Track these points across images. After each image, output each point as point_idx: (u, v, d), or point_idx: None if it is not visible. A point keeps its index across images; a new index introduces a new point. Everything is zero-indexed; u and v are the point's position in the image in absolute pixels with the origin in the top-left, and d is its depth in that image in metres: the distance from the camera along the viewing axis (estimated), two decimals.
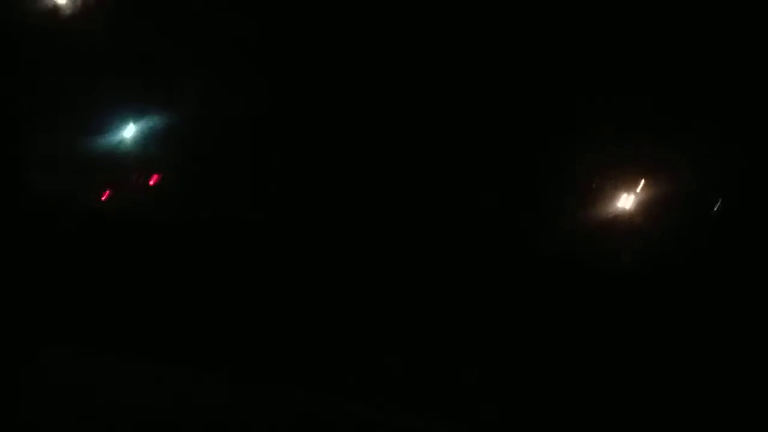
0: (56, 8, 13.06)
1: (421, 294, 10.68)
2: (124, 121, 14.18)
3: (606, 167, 11.07)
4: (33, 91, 13.43)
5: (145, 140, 14.28)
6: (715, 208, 10.63)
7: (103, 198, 13.87)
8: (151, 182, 14.37)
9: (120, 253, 12.44)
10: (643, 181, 10.98)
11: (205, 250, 12.24)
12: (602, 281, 10.36)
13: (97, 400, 9.77)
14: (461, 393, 10.13)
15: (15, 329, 10.44)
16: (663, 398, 9.70)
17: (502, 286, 10.55)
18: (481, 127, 11.32)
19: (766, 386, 9.49)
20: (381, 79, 11.82)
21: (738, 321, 10.09)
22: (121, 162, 14.21)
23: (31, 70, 13.36)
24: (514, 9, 11.03)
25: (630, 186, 11.02)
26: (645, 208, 10.79)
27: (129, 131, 14.23)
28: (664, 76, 10.86)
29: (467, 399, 10.16)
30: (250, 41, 13.03)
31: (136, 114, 14.19)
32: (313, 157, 12.49)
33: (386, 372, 10.22)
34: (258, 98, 13.06)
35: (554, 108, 11.04)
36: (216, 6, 13.29)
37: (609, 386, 9.68)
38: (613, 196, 10.98)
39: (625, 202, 10.84)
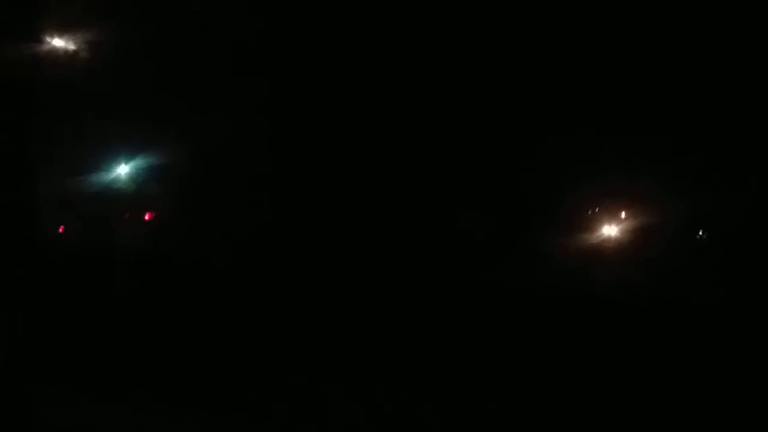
0: (52, 53, 13.16)
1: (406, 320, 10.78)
2: (117, 160, 14.28)
3: (591, 196, 11.20)
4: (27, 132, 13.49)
5: (138, 178, 14.38)
6: (698, 236, 10.81)
7: (97, 234, 14.02)
8: (146, 218, 14.54)
9: (113, 289, 12.48)
10: (627, 211, 11.15)
11: (199, 285, 12.33)
12: (585, 307, 10.49)
13: None
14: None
15: (12, 367, 10.41)
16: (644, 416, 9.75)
17: (483, 313, 10.69)
18: (469, 150, 11.48)
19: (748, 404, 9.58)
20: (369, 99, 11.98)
21: (723, 342, 10.22)
22: (115, 200, 14.31)
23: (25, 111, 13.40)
24: (497, 39, 11.22)
25: (615, 215, 11.18)
26: (630, 236, 10.94)
27: (123, 170, 14.32)
28: (648, 107, 11.05)
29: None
30: (245, 80, 13.18)
31: (130, 153, 14.29)
32: (301, 197, 12.65)
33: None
34: (251, 139, 13.21)
35: (542, 136, 11.20)
36: (208, 48, 13.49)
37: (584, 408, 9.71)
38: (598, 224, 11.12)
39: (611, 230, 11.00)
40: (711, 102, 10.66)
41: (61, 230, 14.17)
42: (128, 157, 14.36)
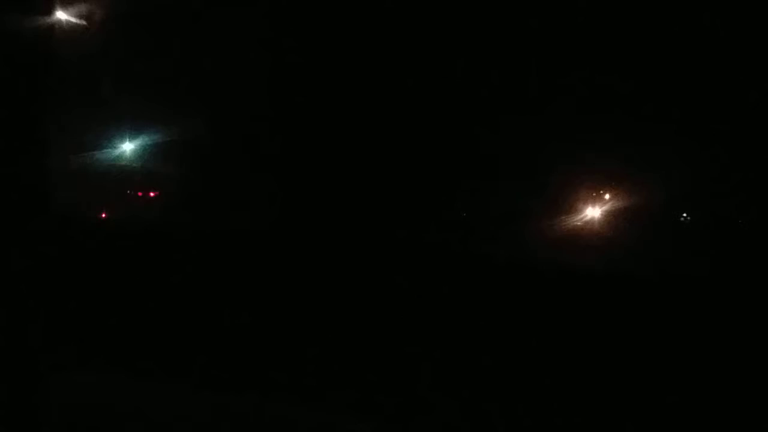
0: (57, 26, 13.26)
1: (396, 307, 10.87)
2: (122, 137, 14.42)
3: (575, 177, 11.26)
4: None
5: (143, 156, 14.52)
6: (682, 218, 10.84)
7: (102, 213, 14.22)
8: (151, 196, 14.72)
9: (119, 266, 12.62)
10: (611, 192, 11.19)
11: (203, 261, 12.45)
12: (571, 286, 10.52)
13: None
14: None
15: (26, 347, 10.53)
16: (632, 405, 9.82)
17: (471, 291, 10.72)
18: (454, 137, 11.56)
19: (736, 391, 9.60)
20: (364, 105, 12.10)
21: (706, 326, 10.24)
22: (119, 177, 14.46)
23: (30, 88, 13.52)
24: (484, 30, 11.29)
25: (598, 196, 11.22)
26: (613, 217, 10.98)
27: (127, 147, 14.47)
28: (632, 92, 11.08)
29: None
30: (248, 59, 13.26)
31: (134, 130, 14.44)
32: (305, 172, 12.73)
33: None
34: (253, 114, 13.31)
35: (526, 120, 11.27)
36: (214, 26, 13.58)
37: (573, 394, 9.78)
38: (582, 205, 11.18)
39: (594, 211, 11.05)
40: (693, 88, 10.67)
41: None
42: (133, 134, 14.51)
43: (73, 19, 12.80)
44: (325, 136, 12.79)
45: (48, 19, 13.12)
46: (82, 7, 12.74)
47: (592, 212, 10.98)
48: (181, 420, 9.28)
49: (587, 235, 11.15)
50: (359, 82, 12.23)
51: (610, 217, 10.99)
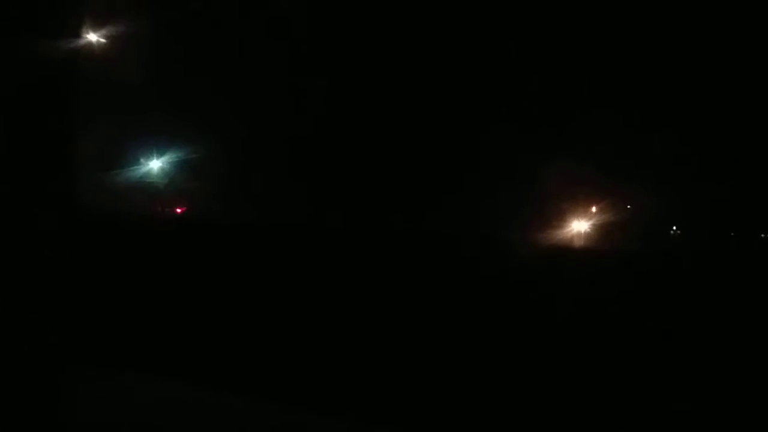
0: (88, 48, 13.51)
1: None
2: (150, 154, 14.65)
3: (564, 192, 11.21)
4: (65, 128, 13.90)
5: (171, 172, 14.75)
6: (672, 232, 10.73)
7: (131, 226, 14.45)
8: (178, 212, 14.93)
9: (144, 280, 12.74)
10: (598, 206, 11.13)
11: (228, 277, 12.54)
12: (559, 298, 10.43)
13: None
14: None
15: (38, 347, 10.64)
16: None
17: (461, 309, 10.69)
18: (443, 150, 11.62)
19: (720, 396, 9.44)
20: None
21: (696, 338, 10.07)
22: (147, 193, 14.68)
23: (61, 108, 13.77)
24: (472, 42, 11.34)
25: (587, 210, 11.16)
26: (602, 231, 10.91)
27: (156, 164, 14.70)
28: (618, 106, 11.04)
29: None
30: (273, 79, 13.49)
31: (163, 147, 14.67)
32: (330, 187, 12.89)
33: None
34: (279, 133, 13.51)
35: (516, 134, 11.28)
36: (241, 48, 13.84)
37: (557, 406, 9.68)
38: (570, 219, 11.13)
39: (582, 225, 10.99)
40: (685, 96, 10.59)
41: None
42: (161, 151, 14.75)
43: (102, 39, 13.12)
44: (345, 156, 12.96)
45: (77, 40, 13.50)
46: (111, 28, 13.06)
47: (579, 225, 10.93)
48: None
49: (575, 247, 11.09)
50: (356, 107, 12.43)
51: (599, 230, 10.92)
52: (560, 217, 11.05)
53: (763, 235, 11.03)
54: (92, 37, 12.95)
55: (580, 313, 10.31)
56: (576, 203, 11.21)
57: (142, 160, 14.73)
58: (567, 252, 10.82)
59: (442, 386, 9.53)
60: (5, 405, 5.78)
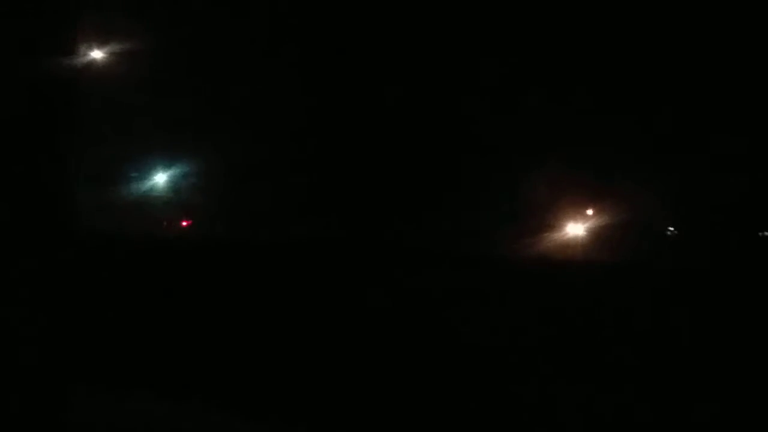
0: (91, 63, 13.56)
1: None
2: (155, 168, 14.73)
3: (559, 194, 11.20)
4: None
5: (175, 187, 14.82)
6: (668, 232, 10.71)
7: (134, 242, 14.52)
8: (183, 225, 15.00)
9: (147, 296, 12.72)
10: (593, 208, 11.11)
11: (231, 293, 12.54)
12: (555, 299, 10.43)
13: None
14: None
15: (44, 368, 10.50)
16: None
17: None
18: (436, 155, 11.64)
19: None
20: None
21: (692, 338, 10.05)
22: (152, 207, 14.74)
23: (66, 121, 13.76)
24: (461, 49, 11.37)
25: (582, 213, 11.14)
26: (598, 234, 10.89)
27: (160, 178, 14.79)
28: (610, 109, 11.03)
29: None
30: (274, 93, 13.58)
31: (167, 161, 14.74)
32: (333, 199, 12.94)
33: None
34: (281, 147, 13.58)
35: (509, 138, 11.28)
36: (243, 65, 13.92)
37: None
38: (565, 222, 11.11)
39: (577, 228, 10.97)
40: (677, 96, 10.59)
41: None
42: (165, 165, 14.83)
43: (106, 55, 13.20)
44: (344, 170, 13.03)
45: (81, 57, 13.57)
46: (115, 44, 13.14)
47: (575, 229, 10.92)
48: None
49: (571, 251, 11.08)
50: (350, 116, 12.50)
51: (595, 232, 10.91)
52: (555, 221, 11.07)
53: (761, 233, 11.02)
54: (96, 53, 13.05)
55: (573, 324, 10.31)
56: (571, 206, 11.23)
57: (146, 174, 14.84)
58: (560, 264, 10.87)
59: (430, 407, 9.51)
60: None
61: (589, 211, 11.22)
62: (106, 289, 12.37)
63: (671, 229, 11.09)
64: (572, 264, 10.59)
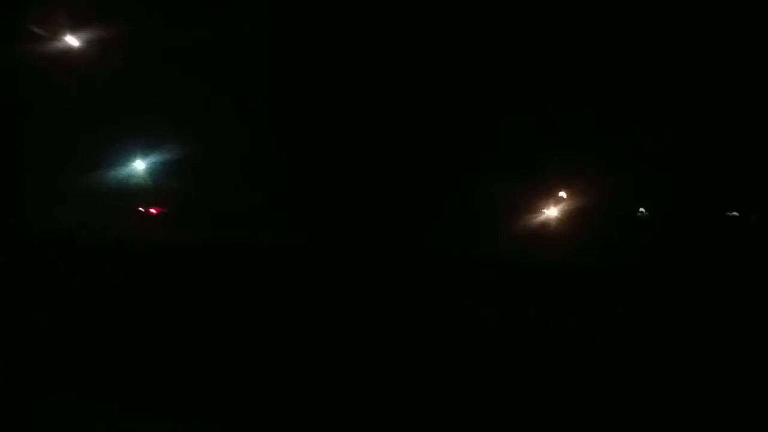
0: (67, 49, 13.47)
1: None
2: (131, 156, 14.70)
3: (533, 177, 11.33)
4: (42, 128, 13.87)
5: (151, 174, 14.79)
6: (639, 213, 10.87)
7: (110, 229, 14.54)
8: (154, 212, 14.99)
9: (122, 284, 12.61)
10: (566, 191, 11.23)
11: (206, 280, 12.54)
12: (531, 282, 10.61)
13: None
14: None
15: (15, 374, 10.20)
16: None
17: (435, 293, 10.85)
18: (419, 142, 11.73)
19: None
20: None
21: (666, 320, 10.27)
22: (127, 194, 14.71)
23: (41, 107, 13.67)
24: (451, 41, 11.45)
25: (555, 195, 11.27)
26: (571, 215, 11.02)
27: (137, 166, 14.75)
28: (586, 94, 11.14)
29: None
30: (253, 80, 13.59)
31: (143, 149, 14.72)
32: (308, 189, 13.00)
33: None
34: (258, 135, 13.61)
35: (489, 121, 11.38)
36: (220, 50, 13.91)
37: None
38: (540, 204, 11.23)
39: (551, 210, 11.11)
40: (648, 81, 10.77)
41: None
42: (142, 152, 14.80)
43: (84, 42, 13.13)
44: (328, 160, 13.09)
45: (58, 43, 13.51)
46: (93, 31, 13.07)
47: (549, 211, 11.08)
48: None
49: (547, 233, 11.24)
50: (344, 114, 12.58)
51: (568, 214, 11.06)
52: (529, 204, 11.22)
53: (728, 213, 11.24)
54: (72, 39, 12.97)
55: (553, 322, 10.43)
56: (543, 190, 11.38)
57: (124, 160, 14.79)
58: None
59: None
60: None
61: (561, 194, 11.39)
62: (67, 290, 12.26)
63: (642, 210, 11.28)
64: (565, 262, 10.79)
